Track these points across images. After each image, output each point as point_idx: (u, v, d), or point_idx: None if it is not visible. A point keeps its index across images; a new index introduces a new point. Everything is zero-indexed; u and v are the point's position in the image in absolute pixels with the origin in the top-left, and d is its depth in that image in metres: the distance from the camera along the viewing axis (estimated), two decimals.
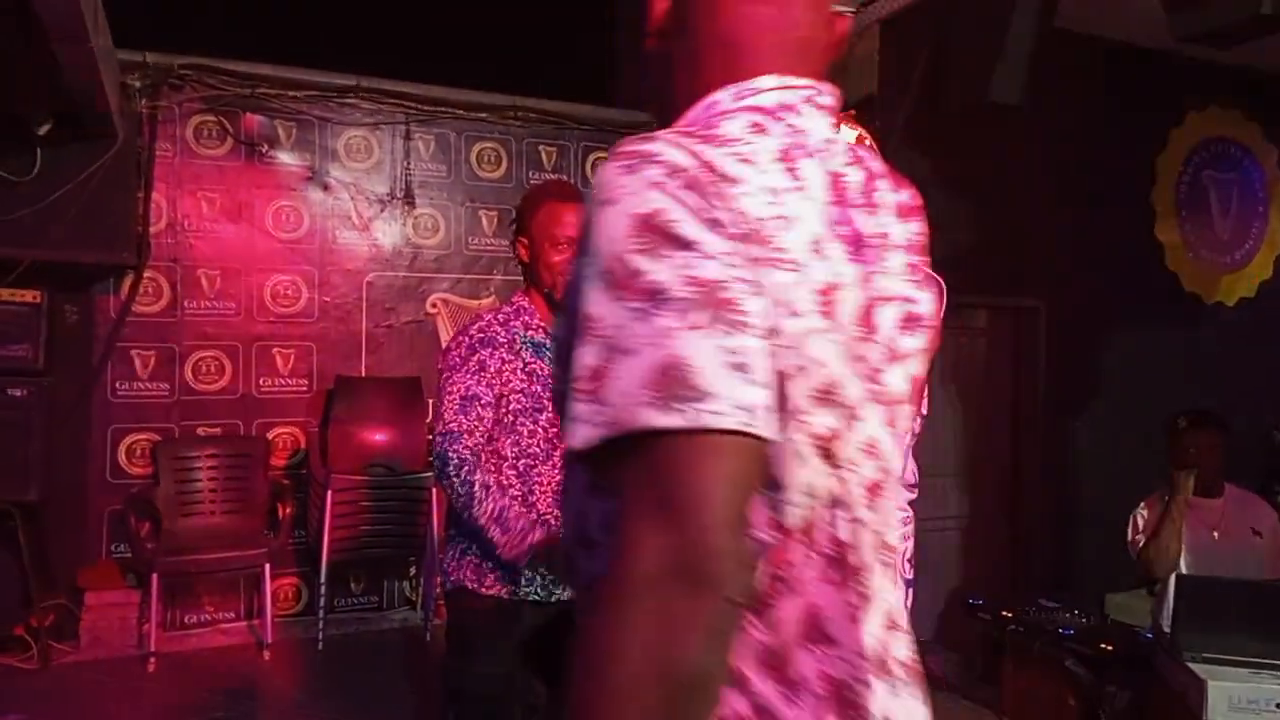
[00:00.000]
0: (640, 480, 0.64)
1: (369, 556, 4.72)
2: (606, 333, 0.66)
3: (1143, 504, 3.48)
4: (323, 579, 4.43)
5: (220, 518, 4.52)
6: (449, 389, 2.09)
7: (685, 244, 0.67)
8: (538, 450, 2.11)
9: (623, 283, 0.66)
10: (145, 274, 4.55)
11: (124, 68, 4.33)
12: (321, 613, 4.49)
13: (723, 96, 0.81)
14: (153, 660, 4.10)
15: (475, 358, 2.10)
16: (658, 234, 0.67)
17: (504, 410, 2.10)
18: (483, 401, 2.06)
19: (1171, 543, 3.26)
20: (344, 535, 4.40)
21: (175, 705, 3.76)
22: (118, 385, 4.55)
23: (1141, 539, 3.38)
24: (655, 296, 0.65)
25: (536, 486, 2.11)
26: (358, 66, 4.94)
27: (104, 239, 4.24)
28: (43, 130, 3.84)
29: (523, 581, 2.09)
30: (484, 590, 2.08)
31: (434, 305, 5.19)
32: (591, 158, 5.51)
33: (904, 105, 4.12)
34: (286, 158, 4.89)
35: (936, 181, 4.84)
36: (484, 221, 5.29)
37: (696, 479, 0.62)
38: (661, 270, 0.66)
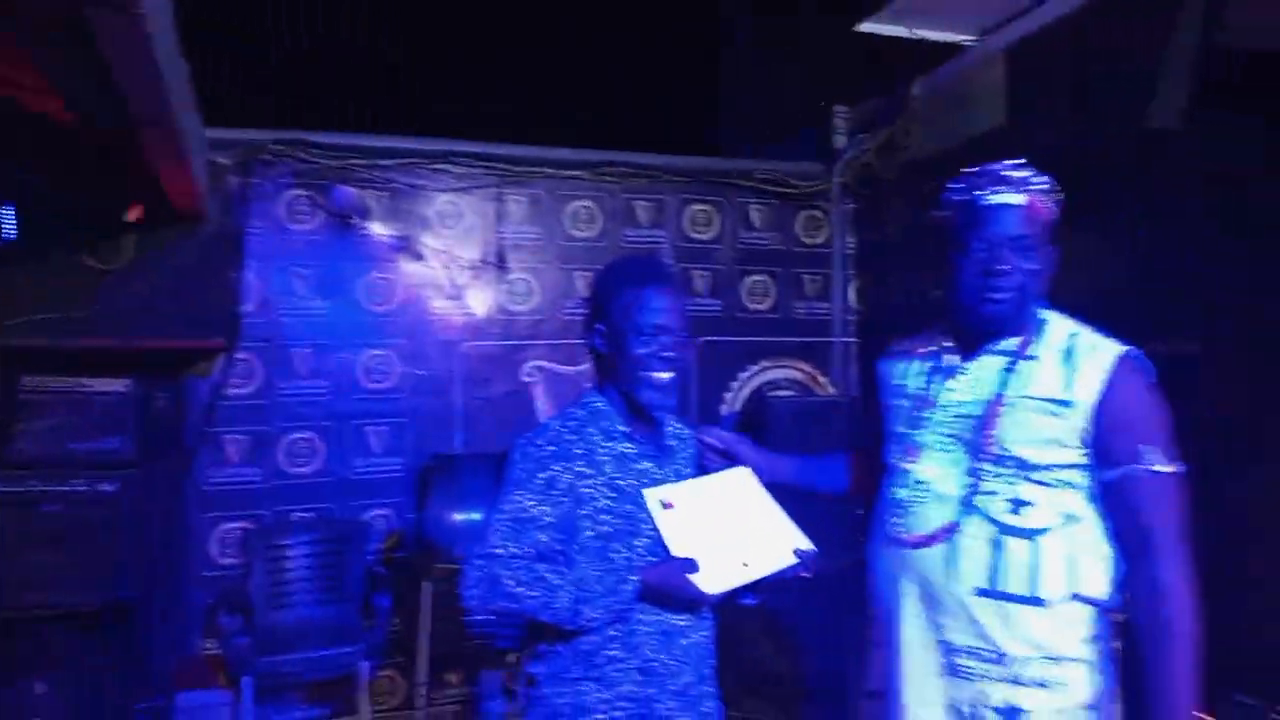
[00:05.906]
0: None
1: (468, 649, 4.41)
2: None
3: None
4: (423, 678, 4.13)
5: (315, 609, 4.29)
6: (503, 506, 1.80)
7: None
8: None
9: None
10: (238, 355, 4.41)
11: (213, 146, 4.23)
12: (422, 715, 4.19)
13: None
14: None
15: (543, 474, 1.80)
16: None
17: (590, 535, 1.79)
18: (540, 524, 1.76)
19: None
20: (443, 626, 4.11)
21: None
22: (209, 473, 4.40)
23: None
24: None
25: (639, 627, 1.77)
26: (447, 131, 4.79)
27: (196, 322, 4.11)
28: (132, 216, 3.73)
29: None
30: None
31: (530, 373, 4.93)
32: (689, 211, 5.21)
33: (1041, 135, 3.72)
34: (378, 228, 4.73)
35: (1075, 215, 4.40)
36: (579, 283, 5.03)
37: None
38: None
